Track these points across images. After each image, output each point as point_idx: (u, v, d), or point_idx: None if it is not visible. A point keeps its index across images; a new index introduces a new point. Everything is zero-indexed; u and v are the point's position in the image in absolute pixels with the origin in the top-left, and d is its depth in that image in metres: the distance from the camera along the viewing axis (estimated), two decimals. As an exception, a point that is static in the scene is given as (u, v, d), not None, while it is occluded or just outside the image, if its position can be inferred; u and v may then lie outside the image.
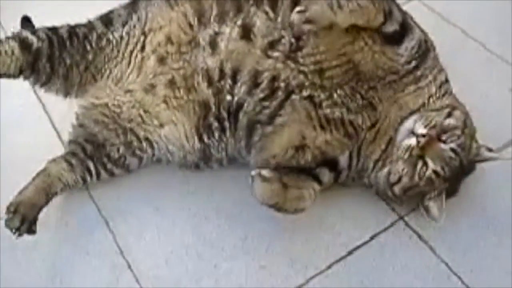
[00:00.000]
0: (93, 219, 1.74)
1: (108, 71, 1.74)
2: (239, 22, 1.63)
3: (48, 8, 2.16)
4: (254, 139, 1.65)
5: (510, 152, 1.75)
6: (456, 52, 1.99)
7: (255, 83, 1.61)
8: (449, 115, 1.56)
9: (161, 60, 1.69)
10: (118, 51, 1.73)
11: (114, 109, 1.73)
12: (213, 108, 1.65)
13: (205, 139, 1.69)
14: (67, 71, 1.73)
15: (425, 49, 1.61)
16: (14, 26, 1.89)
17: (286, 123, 1.61)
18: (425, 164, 1.53)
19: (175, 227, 1.71)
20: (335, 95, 1.58)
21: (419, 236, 1.62)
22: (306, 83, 1.59)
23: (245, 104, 1.62)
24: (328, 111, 1.59)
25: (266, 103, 1.61)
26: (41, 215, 1.68)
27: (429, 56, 1.61)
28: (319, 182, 1.60)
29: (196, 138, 1.69)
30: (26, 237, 1.63)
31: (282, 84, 1.60)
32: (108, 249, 1.68)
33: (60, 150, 1.82)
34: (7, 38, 1.71)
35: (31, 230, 1.62)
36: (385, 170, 1.59)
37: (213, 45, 1.64)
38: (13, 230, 1.60)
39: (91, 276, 1.64)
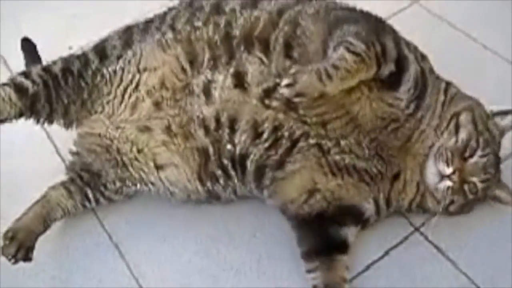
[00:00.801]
0: (104, 245, 1.70)
1: (101, 107, 1.70)
2: (231, 70, 1.58)
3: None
4: (265, 183, 1.61)
5: None
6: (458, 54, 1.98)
7: (256, 133, 1.56)
8: (456, 129, 1.53)
9: (157, 105, 1.65)
10: (111, 87, 1.69)
11: (106, 140, 1.71)
12: (213, 157, 1.61)
13: (209, 185, 1.65)
14: (65, 108, 1.71)
15: (422, 85, 1.55)
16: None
17: (297, 169, 1.56)
18: (471, 183, 1.53)
19: (187, 251, 1.67)
20: (342, 143, 1.54)
21: (436, 248, 1.60)
22: (311, 133, 1.54)
23: (251, 154, 1.58)
24: (337, 157, 1.55)
25: (272, 152, 1.56)
26: (50, 243, 1.67)
27: (427, 92, 1.56)
28: (346, 247, 1.57)
29: (198, 183, 1.65)
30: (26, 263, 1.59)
31: (286, 134, 1.55)
32: (120, 275, 1.64)
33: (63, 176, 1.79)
34: (2, 84, 1.69)
35: (28, 258, 1.60)
36: (429, 201, 1.57)
37: (207, 93, 1.60)
38: (9, 257, 1.58)
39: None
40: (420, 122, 1.54)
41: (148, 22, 1.76)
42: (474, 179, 1.52)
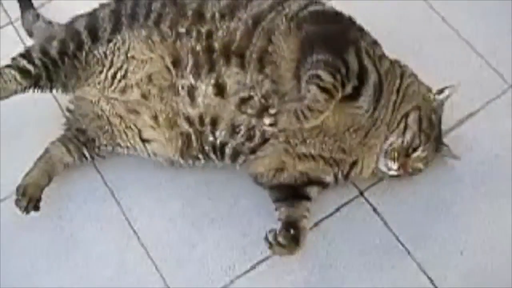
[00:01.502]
0: (100, 191, 2.02)
1: (94, 82, 1.94)
2: (212, 81, 1.81)
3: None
4: (239, 162, 1.91)
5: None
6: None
7: (234, 131, 1.83)
8: (404, 130, 1.82)
9: (144, 97, 1.89)
10: (103, 68, 1.92)
11: (97, 109, 1.96)
12: (195, 143, 1.88)
13: (190, 162, 1.94)
14: (63, 82, 1.96)
15: (379, 90, 1.78)
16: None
17: (267, 154, 1.85)
18: (415, 168, 1.85)
19: (172, 199, 1.99)
20: (308, 141, 1.82)
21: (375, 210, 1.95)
22: (280, 134, 1.81)
23: (229, 143, 1.86)
24: (304, 149, 1.83)
25: (246, 143, 1.84)
26: (53, 192, 1.98)
27: (382, 94, 1.79)
28: (309, 199, 1.88)
29: (180, 159, 1.94)
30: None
31: (258, 134, 1.82)
32: (115, 218, 1.98)
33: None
34: (5, 67, 1.94)
35: (37, 207, 1.92)
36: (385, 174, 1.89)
37: (191, 97, 1.84)
38: (22, 209, 1.90)
39: (102, 241, 1.95)
40: (376, 120, 1.81)
41: (135, 8, 1.94)
42: (418, 165, 1.86)
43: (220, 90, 1.82)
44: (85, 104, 1.98)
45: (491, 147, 2.02)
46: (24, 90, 1.93)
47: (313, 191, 1.90)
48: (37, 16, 2.26)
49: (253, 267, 1.89)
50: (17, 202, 1.90)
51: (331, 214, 1.94)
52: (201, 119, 1.85)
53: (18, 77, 1.91)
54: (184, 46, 1.85)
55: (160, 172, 2.02)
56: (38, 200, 1.93)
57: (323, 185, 1.91)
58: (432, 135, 1.85)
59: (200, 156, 1.92)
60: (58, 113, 2.12)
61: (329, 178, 1.89)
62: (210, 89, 1.82)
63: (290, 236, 1.78)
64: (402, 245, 1.89)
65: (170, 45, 1.86)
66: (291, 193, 1.89)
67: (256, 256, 1.90)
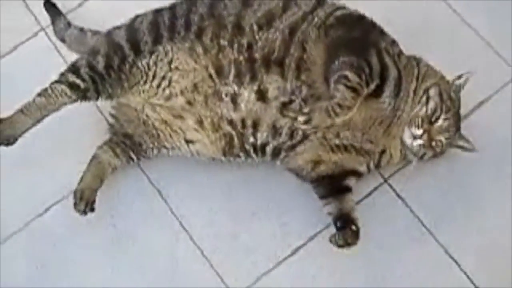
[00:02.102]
0: (147, 191, 2.19)
1: (138, 91, 2.09)
2: (255, 88, 1.98)
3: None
4: (280, 158, 2.09)
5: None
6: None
7: (275, 133, 2.01)
8: (427, 100, 2.00)
9: (189, 103, 2.05)
10: (147, 78, 2.06)
11: (143, 116, 2.12)
12: (237, 144, 2.06)
13: (232, 160, 2.13)
14: (109, 93, 2.10)
15: (399, 83, 1.97)
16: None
17: (306, 149, 2.04)
18: (437, 140, 2.00)
19: (216, 196, 2.18)
20: (341, 135, 2.01)
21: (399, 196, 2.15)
22: (319, 131, 2.00)
23: (270, 144, 2.04)
24: (337, 141, 2.02)
25: (287, 142, 2.03)
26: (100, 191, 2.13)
27: (402, 86, 1.98)
28: (350, 190, 2.08)
29: (223, 158, 2.12)
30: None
31: (300, 133, 2.01)
32: (164, 215, 2.15)
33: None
34: (55, 82, 2.07)
35: (93, 209, 2.10)
36: (412, 156, 2.06)
37: (234, 103, 2.00)
38: (80, 212, 2.08)
39: (153, 237, 2.13)
40: (397, 110, 2.01)
41: (173, 20, 2.07)
42: (440, 137, 2.01)
43: (261, 95, 1.99)
44: (129, 111, 2.14)
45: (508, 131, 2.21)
46: (73, 102, 2.08)
47: (351, 182, 2.10)
48: (68, 24, 2.38)
49: (293, 253, 2.10)
50: (76, 205, 2.08)
51: (357, 203, 2.13)
52: (243, 122, 2.02)
53: (68, 91, 2.05)
54: (227, 57, 2.01)
55: (202, 171, 2.19)
56: (93, 202, 2.10)
57: (358, 174, 2.10)
58: (452, 108, 2.03)
59: (241, 154, 2.10)
60: (101, 119, 2.28)
61: (362, 168, 2.09)
62: (253, 95, 1.99)
63: (355, 233, 1.99)
64: (427, 229, 2.10)
65: (213, 56, 2.02)
66: (334, 187, 2.08)
67: (295, 242, 2.11)
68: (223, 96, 2.02)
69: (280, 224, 2.14)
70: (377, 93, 1.97)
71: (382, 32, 2.07)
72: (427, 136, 2.01)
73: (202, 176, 2.20)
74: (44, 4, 2.43)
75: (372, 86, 1.95)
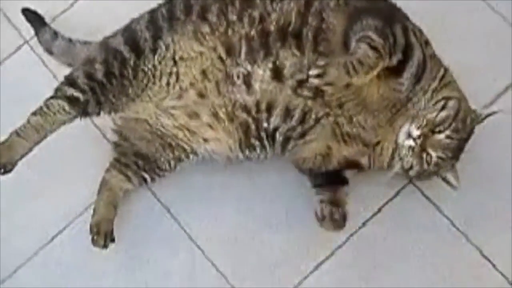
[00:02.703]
0: (156, 210, 2.05)
1: (147, 97, 1.92)
2: (270, 65, 1.81)
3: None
4: (288, 148, 1.93)
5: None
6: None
7: (288, 115, 1.85)
8: (443, 108, 1.80)
9: (201, 95, 1.88)
10: (154, 82, 1.90)
11: (156, 127, 1.95)
12: (254, 131, 1.90)
13: (247, 153, 1.97)
14: (112, 104, 1.92)
15: (422, 69, 1.79)
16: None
17: (315, 138, 1.89)
18: (429, 154, 1.80)
19: (228, 209, 2.04)
20: (354, 119, 1.84)
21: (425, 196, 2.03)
22: (331, 113, 1.84)
23: (280, 128, 1.88)
24: (348, 129, 1.86)
25: (298, 127, 1.87)
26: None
27: (424, 75, 1.80)
28: (347, 182, 1.95)
29: (240, 152, 1.96)
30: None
31: (313, 116, 1.84)
32: (176, 234, 2.02)
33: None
34: (52, 97, 1.88)
35: (113, 240, 1.96)
36: (398, 163, 1.87)
37: (247, 84, 1.83)
38: (101, 246, 1.93)
39: (166, 258, 2.00)
40: (409, 100, 1.82)
41: (172, 9, 1.90)
42: (432, 152, 1.81)
43: (277, 73, 1.82)
44: (140, 125, 1.97)
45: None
46: (72, 119, 1.90)
47: (349, 173, 1.97)
48: (55, 34, 2.20)
49: (318, 266, 1.98)
50: (94, 241, 1.93)
51: (383, 205, 2.02)
52: (257, 105, 1.86)
53: (67, 107, 1.87)
54: (237, 33, 1.83)
55: (210, 183, 2.06)
56: (112, 232, 1.96)
57: (358, 167, 1.95)
58: (461, 132, 1.84)
59: (257, 143, 1.93)
60: (99, 136, 2.12)
61: (364, 161, 1.93)
62: (268, 74, 1.82)
63: (343, 214, 1.91)
64: (458, 229, 1.98)
65: (222, 34, 1.84)
66: (332, 178, 1.96)
67: (319, 255, 1.99)
68: (235, 78, 1.85)
69: (301, 235, 2.02)
70: (398, 71, 1.79)
71: (406, 16, 1.91)
72: (421, 142, 1.80)
73: (211, 188, 2.07)
74: (23, 12, 2.23)
75: (394, 60, 1.76)
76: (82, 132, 2.09)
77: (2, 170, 1.83)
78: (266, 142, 1.93)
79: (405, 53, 1.79)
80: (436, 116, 1.80)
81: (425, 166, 1.84)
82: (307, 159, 1.95)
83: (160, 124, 1.96)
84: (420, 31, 1.89)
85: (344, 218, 1.94)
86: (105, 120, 2.04)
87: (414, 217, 2.01)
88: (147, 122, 1.96)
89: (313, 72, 1.72)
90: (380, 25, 1.76)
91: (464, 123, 1.84)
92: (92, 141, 2.12)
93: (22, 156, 1.86)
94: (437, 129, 1.81)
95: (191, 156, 2.01)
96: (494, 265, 1.95)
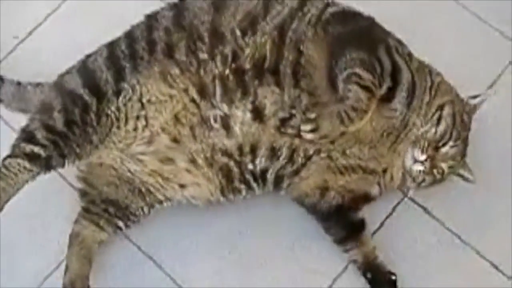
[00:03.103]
0: (137, 259, 1.87)
1: (111, 143, 1.75)
2: (249, 106, 1.68)
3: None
4: (283, 187, 1.80)
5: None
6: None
7: (275, 155, 1.72)
8: (438, 121, 1.74)
9: (175, 141, 1.72)
10: (120, 124, 1.73)
11: (122, 172, 1.79)
12: (237, 174, 1.75)
13: (231, 197, 1.82)
14: (76, 154, 1.74)
15: (412, 89, 1.70)
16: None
17: (310, 174, 1.76)
18: (439, 167, 1.76)
19: (217, 247, 1.88)
20: (347, 152, 1.73)
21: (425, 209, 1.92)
22: (323, 149, 1.72)
23: (270, 168, 1.74)
24: (344, 162, 1.75)
25: (288, 165, 1.74)
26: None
27: (415, 95, 1.71)
28: (365, 224, 1.84)
29: (221, 197, 1.81)
30: None
31: (302, 154, 1.72)
32: (163, 282, 1.84)
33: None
34: (9, 157, 1.69)
35: None
36: (411, 182, 1.80)
37: (226, 128, 1.69)
38: None
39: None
40: (407, 123, 1.74)
41: (132, 45, 1.74)
42: (443, 165, 1.77)
43: (258, 114, 1.69)
44: (106, 171, 1.80)
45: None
46: (36, 176, 1.71)
47: (363, 214, 1.85)
48: (1, 79, 1.98)
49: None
50: None
51: (382, 224, 1.90)
52: (240, 149, 1.72)
53: (27, 165, 1.68)
54: (210, 73, 1.69)
55: (192, 223, 1.90)
56: None
57: (369, 199, 1.85)
58: (463, 134, 1.79)
59: (242, 187, 1.80)
60: (64, 186, 1.93)
61: (374, 190, 1.83)
62: (248, 116, 1.69)
63: (393, 283, 1.78)
64: (460, 238, 1.89)
65: (193, 75, 1.70)
66: (349, 224, 1.84)
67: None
68: (212, 122, 1.70)
69: (299, 269, 1.87)
70: (388, 98, 1.69)
71: (385, 31, 1.80)
72: (429, 163, 1.75)
73: (193, 229, 1.90)
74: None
75: (384, 88, 1.67)
76: (46, 182, 1.85)
77: None
78: (254, 184, 1.80)
79: (393, 77, 1.69)
80: (435, 132, 1.74)
81: (439, 176, 1.80)
82: (306, 193, 1.82)
83: (126, 170, 1.79)
84: (400, 42, 1.80)
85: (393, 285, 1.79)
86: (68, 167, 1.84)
87: (415, 231, 1.91)
88: (112, 167, 1.79)
89: (305, 127, 1.64)
90: (365, 57, 1.66)
91: (463, 122, 1.79)
92: (56, 191, 1.93)
93: None
94: (440, 144, 1.75)
95: (165, 203, 1.85)
96: (501, 271, 1.86)
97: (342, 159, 1.75)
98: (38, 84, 1.94)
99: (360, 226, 1.84)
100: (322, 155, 1.74)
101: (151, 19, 1.78)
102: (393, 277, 1.79)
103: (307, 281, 1.85)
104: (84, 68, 1.77)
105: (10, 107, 1.99)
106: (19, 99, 1.96)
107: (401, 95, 1.70)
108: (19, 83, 1.97)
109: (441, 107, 1.75)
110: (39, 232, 1.90)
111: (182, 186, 1.80)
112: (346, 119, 1.61)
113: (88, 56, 1.80)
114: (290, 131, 1.69)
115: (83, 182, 1.85)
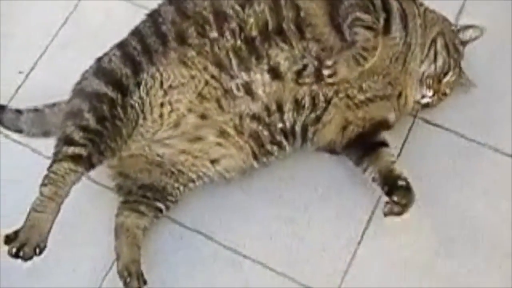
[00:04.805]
0: (187, 236, 1.94)
1: (139, 136, 1.86)
2: (265, 68, 1.82)
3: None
4: (309, 137, 1.92)
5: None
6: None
7: (300, 107, 1.85)
8: (435, 57, 1.92)
9: (203, 117, 1.85)
10: (145, 113, 1.84)
11: (155, 158, 1.89)
12: (267, 137, 1.88)
13: (264, 160, 1.93)
14: (111, 150, 1.84)
15: (404, 15, 1.87)
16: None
17: (332, 117, 1.89)
18: (444, 92, 1.97)
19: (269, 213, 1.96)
20: (363, 86, 1.87)
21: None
22: (340, 88, 1.85)
23: (297, 121, 1.87)
24: (362, 96, 1.88)
25: (312, 113, 1.87)
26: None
27: (408, 19, 1.87)
28: (386, 144, 1.93)
29: (254, 162, 1.92)
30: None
31: (322, 98, 1.85)
32: (217, 253, 1.91)
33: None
34: (54, 163, 1.78)
35: (145, 281, 1.84)
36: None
37: (250, 93, 1.83)
38: None
39: (218, 277, 1.90)
40: (410, 44, 1.90)
41: (143, 40, 1.87)
42: (447, 89, 1.97)
43: (275, 73, 1.82)
44: (135, 160, 1.90)
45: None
46: (81, 176, 1.81)
47: (383, 137, 1.96)
48: (18, 111, 2.10)
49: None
50: (128, 285, 1.80)
51: (401, 150, 2.01)
52: (267, 109, 1.85)
53: (72, 166, 1.77)
54: (223, 47, 1.83)
55: (233, 192, 1.98)
56: (142, 274, 1.84)
57: (388, 125, 1.97)
58: (459, 59, 1.97)
59: (273, 148, 1.91)
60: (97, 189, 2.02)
61: (391, 115, 1.95)
62: (267, 76, 1.82)
63: (406, 189, 1.82)
64: (482, 144, 1.98)
65: (209, 53, 1.83)
66: (368, 144, 1.93)
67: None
68: (235, 91, 1.84)
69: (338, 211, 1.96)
70: (386, 29, 1.85)
71: None
72: (436, 93, 1.96)
73: (238, 197, 1.98)
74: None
75: (382, 21, 1.83)
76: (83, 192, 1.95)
77: (38, 251, 1.71)
78: (285, 143, 1.92)
79: (385, 9, 1.86)
80: (435, 68, 1.93)
81: (443, 97, 2.00)
82: (332, 140, 1.94)
83: (155, 154, 1.89)
84: None
85: (409, 189, 1.83)
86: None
87: (435, 148, 2.01)
88: (142, 154, 1.90)
89: (325, 72, 1.79)
90: (359, 0, 1.82)
91: (457, 50, 1.97)
92: (93, 197, 2.01)
93: (49, 231, 1.74)
94: (442, 76, 1.94)
95: (198, 181, 1.95)
96: None
97: (360, 95, 1.89)
98: (53, 105, 2.06)
99: (378, 144, 1.94)
100: (341, 95, 1.87)
101: (155, 14, 1.91)
102: (404, 182, 1.82)
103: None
104: (101, 70, 1.88)
105: (31, 134, 2.10)
106: (40, 124, 2.07)
107: (396, 23, 1.86)
108: (36, 109, 2.08)
109: (434, 41, 1.93)
110: (86, 241, 1.97)
111: (213, 161, 1.91)
112: (361, 59, 1.77)
113: (100, 59, 1.92)
114: (307, 80, 1.84)
115: (117, 177, 1.94)
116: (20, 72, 2.22)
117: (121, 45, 1.90)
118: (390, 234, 1.90)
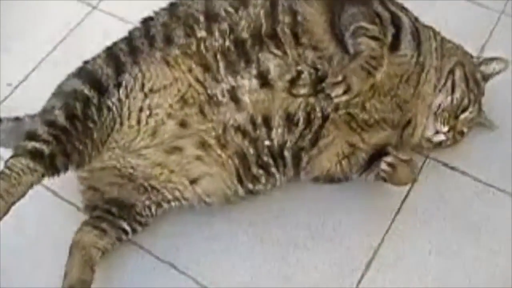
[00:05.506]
0: (159, 268, 1.73)
1: (113, 143, 1.69)
2: (254, 72, 1.65)
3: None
4: (303, 165, 1.73)
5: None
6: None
7: (292, 123, 1.67)
8: (453, 88, 1.74)
9: (183, 124, 1.67)
10: (121, 118, 1.67)
11: (127, 170, 1.71)
12: (253, 157, 1.69)
13: (250, 186, 1.73)
14: (79, 154, 1.65)
15: (417, 34, 1.72)
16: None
17: (330, 141, 1.70)
18: (460, 132, 1.79)
19: (240, 244, 1.76)
20: (367, 106, 1.69)
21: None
22: (340, 105, 1.67)
23: (288, 142, 1.68)
24: (366, 116, 1.70)
25: (305, 132, 1.68)
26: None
27: (421, 38, 1.72)
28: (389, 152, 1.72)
29: (239, 186, 1.73)
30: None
31: (319, 114, 1.67)
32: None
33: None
34: (12, 157, 1.60)
35: None
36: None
37: (235, 100, 1.65)
38: None
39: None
40: (423, 65, 1.72)
41: (131, 43, 1.73)
42: (464, 128, 1.79)
43: (264, 79, 1.65)
44: (107, 172, 1.71)
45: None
46: (40, 179, 1.60)
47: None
48: None
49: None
50: None
51: (409, 190, 1.80)
52: (252, 122, 1.66)
53: (31, 164, 1.58)
54: (210, 48, 1.67)
55: (212, 223, 1.79)
56: None
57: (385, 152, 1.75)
58: (479, 96, 1.80)
59: (261, 172, 1.71)
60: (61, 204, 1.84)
61: (393, 140, 1.77)
62: (254, 82, 1.64)
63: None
64: (494, 187, 1.80)
65: (194, 53, 1.67)
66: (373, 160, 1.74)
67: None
68: (220, 97, 1.65)
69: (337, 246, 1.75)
70: (395, 45, 1.69)
71: None
72: (452, 131, 1.77)
73: (215, 230, 1.78)
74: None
75: (389, 36, 1.67)
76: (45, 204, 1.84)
77: None
78: (273, 168, 1.72)
79: (394, 23, 1.71)
80: (452, 100, 1.75)
81: (459, 138, 1.82)
82: (331, 169, 1.74)
83: (129, 166, 1.71)
84: (396, 2, 1.81)
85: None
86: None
87: (447, 191, 1.82)
88: (115, 167, 1.71)
89: (337, 91, 1.58)
90: (363, 10, 1.68)
91: (477, 83, 1.80)
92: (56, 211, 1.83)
93: None
94: (459, 112, 1.77)
95: (173, 202, 1.75)
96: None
97: (363, 114, 1.70)
98: (34, 115, 1.89)
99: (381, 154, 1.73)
100: (340, 112, 1.68)
101: (148, 20, 1.78)
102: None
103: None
104: (83, 70, 1.74)
105: (8, 145, 1.88)
106: (17, 134, 1.87)
107: (406, 39, 1.70)
108: (16, 118, 1.90)
109: (452, 72, 1.76)
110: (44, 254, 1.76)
111: (193, 181, 1.71)
112: (371, 69, 1.59)
113: (86, 62, 1.78)
114: (302, 91, 1.65)
115: (86, 192, 1.75)
116: (8, 84, 2.12)
117: (109, 47, 1.76)
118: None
